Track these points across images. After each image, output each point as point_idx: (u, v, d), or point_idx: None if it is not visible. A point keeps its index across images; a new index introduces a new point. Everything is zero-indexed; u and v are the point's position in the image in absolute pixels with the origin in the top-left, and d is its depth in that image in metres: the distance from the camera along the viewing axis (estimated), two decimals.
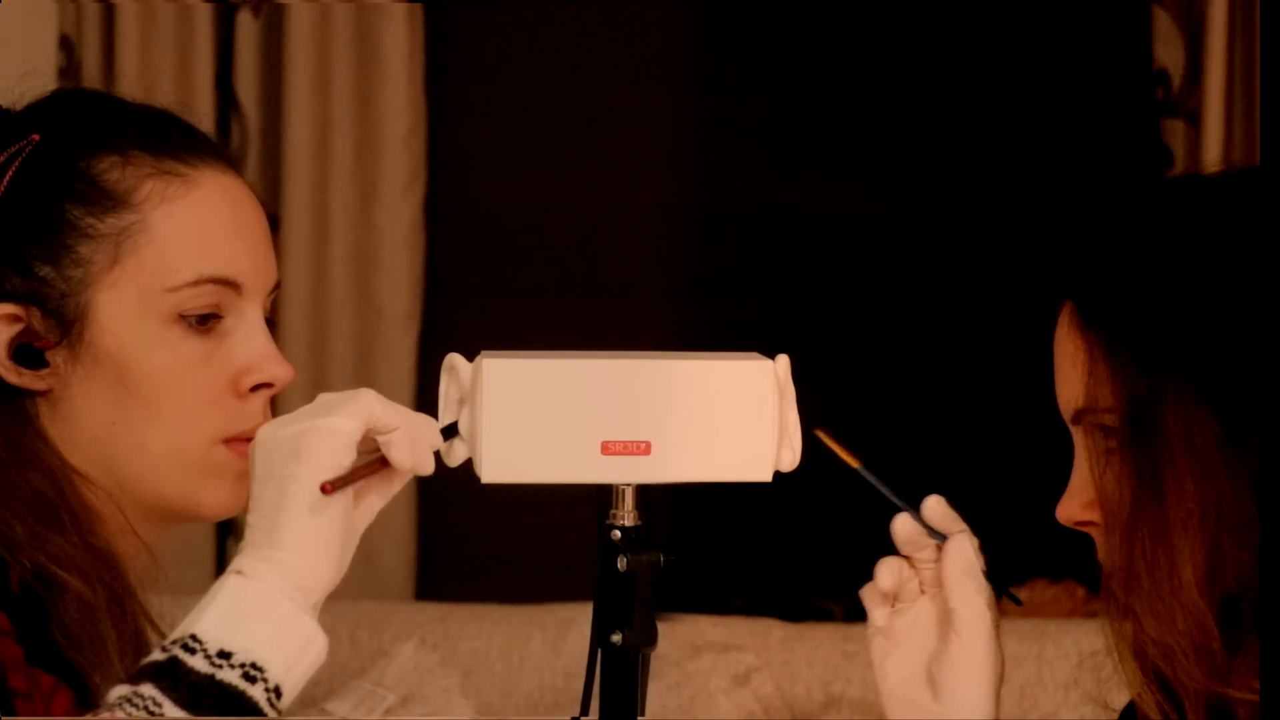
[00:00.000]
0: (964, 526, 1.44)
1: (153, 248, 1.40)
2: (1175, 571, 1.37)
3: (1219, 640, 1.37)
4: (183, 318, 1.41)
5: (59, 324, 1.39)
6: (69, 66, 3.31)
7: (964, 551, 1.43)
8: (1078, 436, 1.45)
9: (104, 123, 1.45)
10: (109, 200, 1.41)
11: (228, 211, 1.44)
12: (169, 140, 1.45)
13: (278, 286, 1.49)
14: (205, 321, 1.41)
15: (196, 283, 1.41)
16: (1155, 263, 1.41)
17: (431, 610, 3.23)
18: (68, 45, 3.33)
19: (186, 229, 1.41)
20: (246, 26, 3.36)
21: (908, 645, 1.46)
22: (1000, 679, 1.46)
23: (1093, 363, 1.42)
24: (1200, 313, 1.38)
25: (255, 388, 1.43)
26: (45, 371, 1.40)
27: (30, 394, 1.40)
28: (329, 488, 1.23)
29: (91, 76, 3.27)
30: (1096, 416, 1.42)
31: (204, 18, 3.33)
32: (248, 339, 1.43)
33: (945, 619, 1.44)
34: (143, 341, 1.40)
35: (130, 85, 3.21)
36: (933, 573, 1.44)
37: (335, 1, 3.34)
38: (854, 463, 1.41)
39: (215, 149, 1.47)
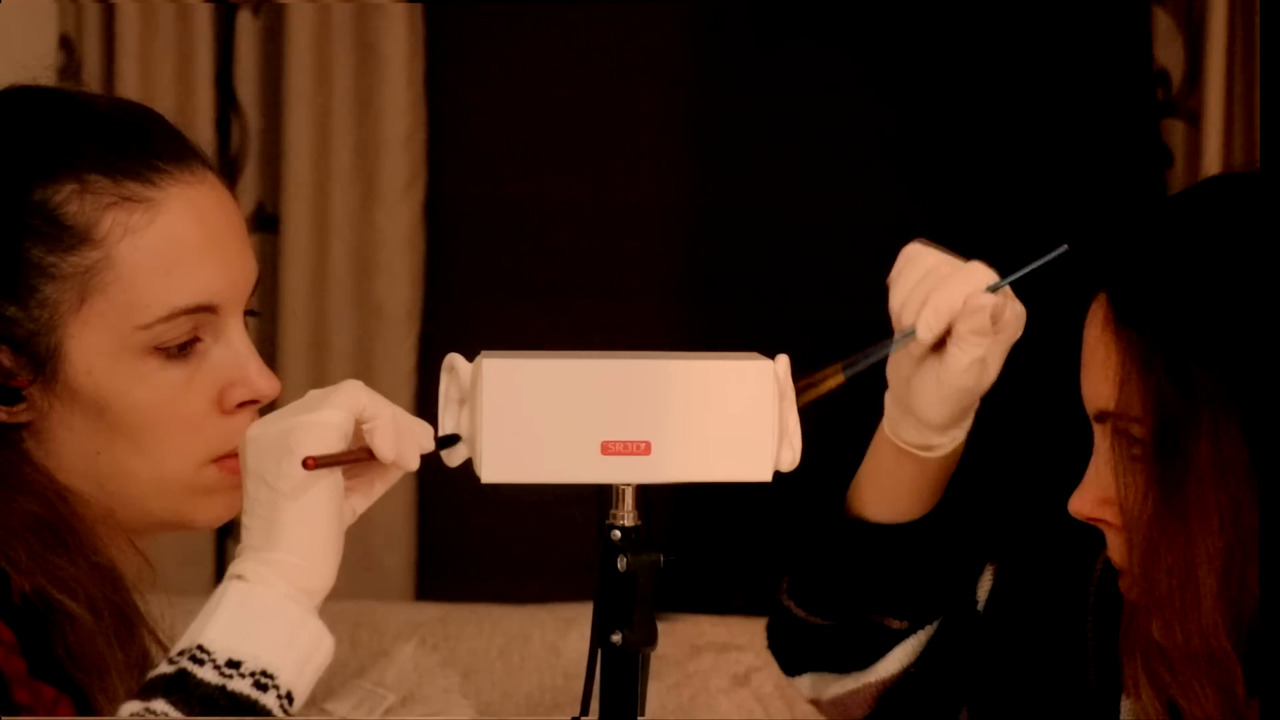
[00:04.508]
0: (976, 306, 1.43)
1: (120, 285, 1.35)
2: (1199, 606, 1.35)
3: (1242, 682, 1.35)
4: (159, 349, 1.36)
5: (31, 362, 1.35)
6: (69, 66, 3.30)
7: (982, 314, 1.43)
8: (1100, 434, 1.43)
9: (57, 140, 1.37)
10: (70, 237, 1.34)
11: (196, 230, 1.38)
12: (127, 154, 1.37)
13: (259, 281, 1.44)
14: (183, 349, 1.37)
15: (170, 317, 1.36)
16: (1204, 273, 1.37)
17: (431, 610, 3.22)
18: (68, 45, 3.32)
19: (154, 262, 1.35)
20: (246, 26, 3.36)
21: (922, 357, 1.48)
22: (962, 402, 1.49)
23: (1125, 369, 1.39)
24: (1246, 334, 1.34)
25: (241, 404, 1.39)
26: (21, 407, 1.36)
27: (13, 425, 1.36)
28: (311, 463, 1.22)
29: (92, 76, 3.26)
30: (1124, 423, 1.40)
31: (204, 18, 3.33)
32: (229, 355, 1.39)
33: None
34: (119, 378, 1.35)
35: (130, 85, 3.23)
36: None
37: (335, 1, 3.34)
38: (839, 379, 1.41)
39: (177, 149, 1.40)
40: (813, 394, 1.38)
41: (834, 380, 1.40)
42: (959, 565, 1.60)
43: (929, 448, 1.52)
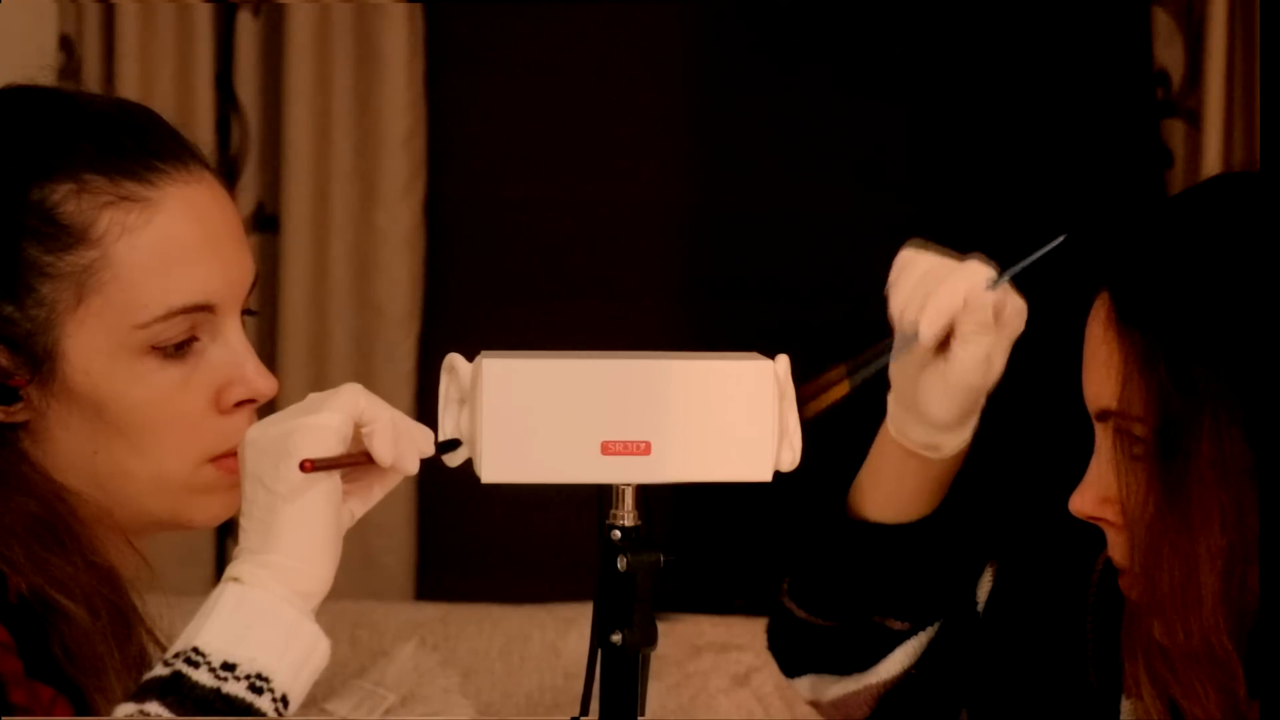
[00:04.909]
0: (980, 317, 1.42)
1: (117, 284, 1.34)
2: (1201, 606, 1.35)
3: (1243, 682, 1.35)
4: (157, 349, 1.36)
5: (28, 362, 1.34)
6: (69, 66, 3.30)
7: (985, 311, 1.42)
8: (1101, 433, 1.43)
9: (55, 140, 1.37)
10: (67, 236, 1.34)
11: (193, 229, 1.37)
12: (124, 153, 1.37)
13: (257, 281, 1.44)
14: (180, 348, 1.37)
15: (167, 316, 1.35)
16: (1206, 273, 1.37)
17: (431, 610, 3.22)
18: (68, 45, 3.32)
19: (151, 261, 1.35)
20: (246, 26, 3.36)
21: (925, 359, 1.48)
22: (969, 400, 1.48)
23: (1127, 369, 1.39)
24: (1248, 334, 1.34)
25: (238, 403, 1.39)
26: (18, 406, 1.35)
27: (10, 425, 1.36)
28: (309, 465, 1.22)
29: (91, 76, 3.26)
30: (1125, 422, 1.39)
31: (204, 18, 3.33)
32: (226, 354, 1.39)
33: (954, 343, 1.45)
34: (117, 378, 1.35)
35: (130, 85, 3.22)
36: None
37: (335, 1, 3.34)
38: (845, 389, 1.41)
39: (174, 149, 1.40)
40: (818, 405, 1.38)
41: (839, 390, 1.40)
42: (961, 565, 1.60)
43: (936, 447, 1.52)
